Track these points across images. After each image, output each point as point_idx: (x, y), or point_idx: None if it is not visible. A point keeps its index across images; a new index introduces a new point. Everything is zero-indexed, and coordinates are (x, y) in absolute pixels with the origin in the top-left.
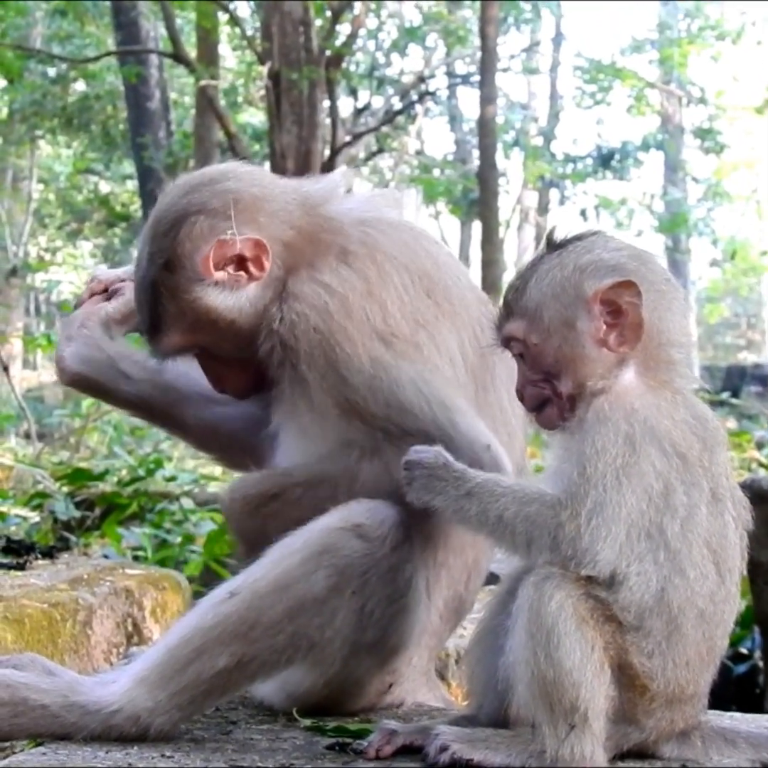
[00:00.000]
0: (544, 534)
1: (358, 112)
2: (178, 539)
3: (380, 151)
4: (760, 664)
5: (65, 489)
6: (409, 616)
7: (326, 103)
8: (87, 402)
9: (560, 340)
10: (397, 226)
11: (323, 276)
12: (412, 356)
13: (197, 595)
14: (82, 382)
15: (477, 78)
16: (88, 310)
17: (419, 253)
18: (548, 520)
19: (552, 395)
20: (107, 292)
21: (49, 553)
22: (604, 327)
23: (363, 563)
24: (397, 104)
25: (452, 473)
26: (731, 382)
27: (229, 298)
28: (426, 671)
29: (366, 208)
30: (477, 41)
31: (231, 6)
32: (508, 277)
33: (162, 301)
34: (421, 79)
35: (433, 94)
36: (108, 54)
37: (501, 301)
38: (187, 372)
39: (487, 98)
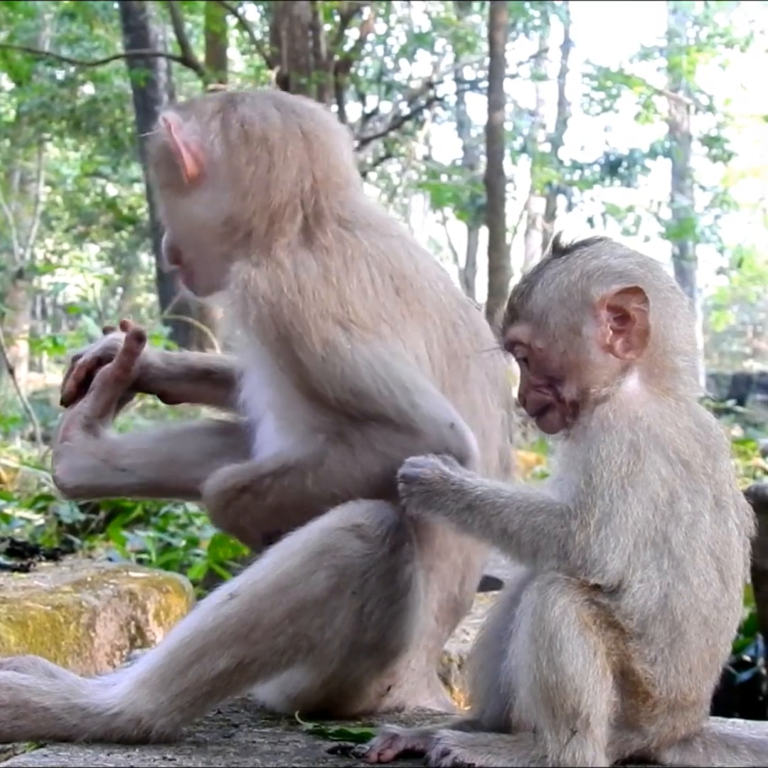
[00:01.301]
0: (552, 543)
1: (366, 117)
2: (183, 543)
3: (388, 156)
4: (764, 671)
5: None
6: (409, 617)
7: (334, 108)
8: None
9: (566, 345)
10: (383, 234)
11: (279, 253)
12: (370, 341)
13: (201, 599)
14: (84, 492)
15: (485, 84)
16: (67, 420)
17: (400, 255)
18: (557, 529)
19: (555, 401)
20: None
21: (53, 556)
22: (611, 333)
23: (363, 564)
24: (405, 109)
25: (451, 487)
26: (737, 390)
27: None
28: (427, 673)
29: (365, 214)
30: (485, 47)
31: (240, 10)
32: (515, 283)
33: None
34: (430, 84)
35: (441, 99)
36: (117, 57)
37: (506, 305)
38: (180, 434)
39: (495, 104)
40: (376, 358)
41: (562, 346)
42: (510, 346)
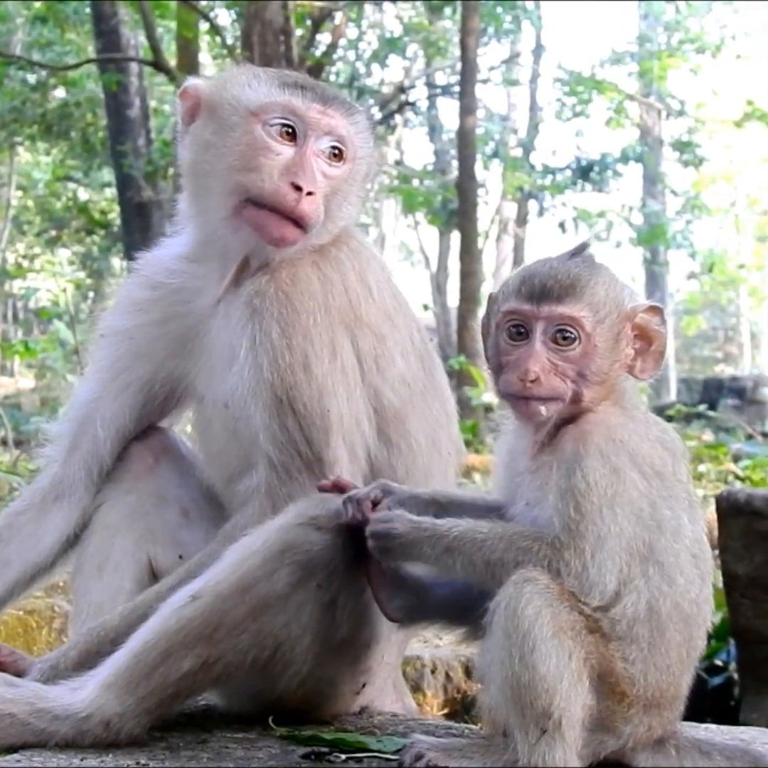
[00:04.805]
0: (540, 564)
1: None
2: None
3: None
4: (736, 676)
5: None
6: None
7: None
8: (64, 409)
9: (608, 349)
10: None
11: (333, 251)
12: (364, 345)
13: None
14: None
15: (457, 89)
16: None
17: (386, 261)
18: (548, 557)
19: (569, 397)
20: None
21: None
22: (633, 353)
23: (325, 556)
24: (377, 114)
25: (424, 534)
26: (708, 395)
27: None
28: (395, 668)
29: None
30: (457, 52)
31: (212, 15)
32: (486, 288)
33: None
34: (401, 89)
35: (412, 104)
36: (88, 61)
37: (563, 275)
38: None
39: (467, 109)
40: (345, 389)
41: (607, 349)
42: (557, 319)
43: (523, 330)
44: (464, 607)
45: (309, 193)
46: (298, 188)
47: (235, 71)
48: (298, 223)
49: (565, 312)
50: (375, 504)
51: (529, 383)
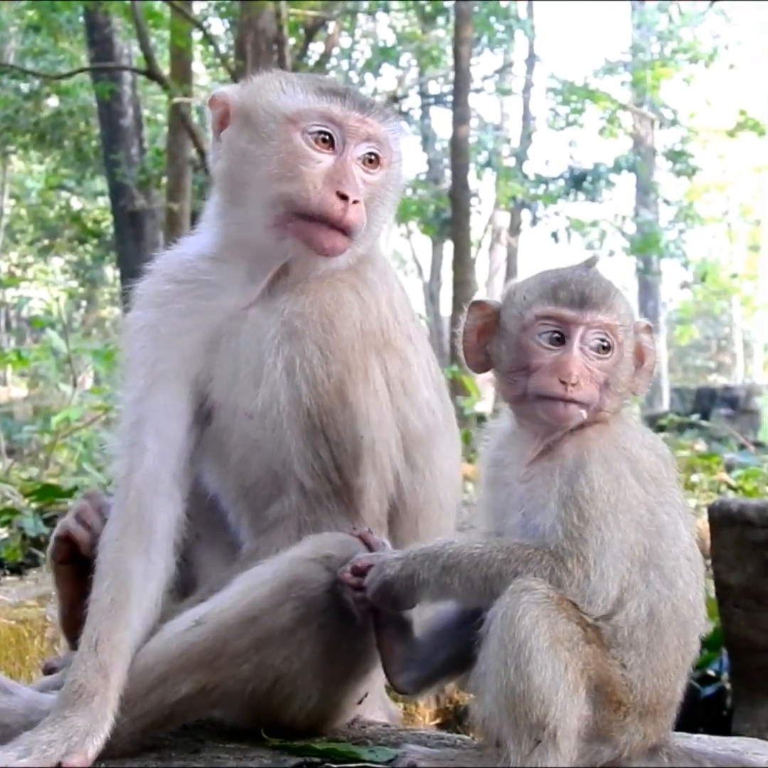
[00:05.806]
0: (540, 574)
1: None
2: None
3: None
4: (728, 686)
5: (34, 505)
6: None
7: None
8: (57, 418)
9: (630, 360)
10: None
11: (370, 275)
12: (392, 368)
13: None
14: None
15: (450, 98)
16: None
17: (404, 286)
18: (552, 566)
19: (593, 403)
20: None
21: (17, 570)
22: (634, 369)
23: (328, 598)
24: None
25: (414, 561)
26: (701, 405)
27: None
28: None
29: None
30: (450, 61)
31: (205, 24)
32: (479, 297)
33: None
34: (395, 98)
35: (406, 113)
36: (81, 70)
37: (597, 283)
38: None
39: (460, 118)
40: (377, 414)
41: (629, 360)
42: (596, 327)
43: (558, 335)
44: (463, 659)
45: (354, 202)
46: (344, 197)
47: (267, 77)
48: (345, 232)
49: (605, 320)
50: (363, 573)
51: (572, 386)
